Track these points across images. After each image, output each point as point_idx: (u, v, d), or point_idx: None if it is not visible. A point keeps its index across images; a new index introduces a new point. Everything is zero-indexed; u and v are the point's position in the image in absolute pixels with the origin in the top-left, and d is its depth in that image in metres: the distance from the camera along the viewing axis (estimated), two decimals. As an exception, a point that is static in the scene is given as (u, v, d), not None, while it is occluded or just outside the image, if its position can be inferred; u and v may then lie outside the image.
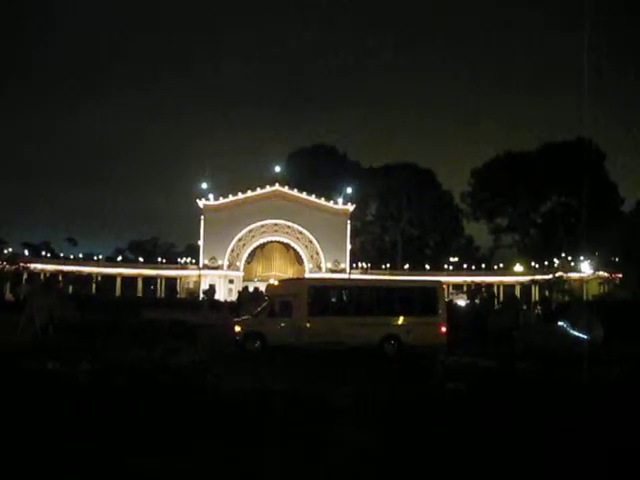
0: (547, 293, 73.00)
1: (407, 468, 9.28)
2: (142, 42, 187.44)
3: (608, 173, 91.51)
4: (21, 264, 68.11)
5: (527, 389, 15.36)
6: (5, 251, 73.47)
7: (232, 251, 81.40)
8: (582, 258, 74.61)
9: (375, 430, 11.17)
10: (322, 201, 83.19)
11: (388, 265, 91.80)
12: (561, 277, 72.40)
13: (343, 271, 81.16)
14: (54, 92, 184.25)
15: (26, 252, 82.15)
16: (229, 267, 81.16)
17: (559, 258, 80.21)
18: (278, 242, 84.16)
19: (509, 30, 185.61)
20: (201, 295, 63.47)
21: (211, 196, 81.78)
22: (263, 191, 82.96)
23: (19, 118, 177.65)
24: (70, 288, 66.44)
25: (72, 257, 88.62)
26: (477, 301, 61.73)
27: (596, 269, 70.95)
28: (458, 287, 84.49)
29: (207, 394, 13.63)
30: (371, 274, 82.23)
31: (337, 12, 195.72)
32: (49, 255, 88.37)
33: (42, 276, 77.56)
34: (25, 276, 69.70)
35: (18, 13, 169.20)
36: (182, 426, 10.81)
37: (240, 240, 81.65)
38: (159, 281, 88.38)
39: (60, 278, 78.71)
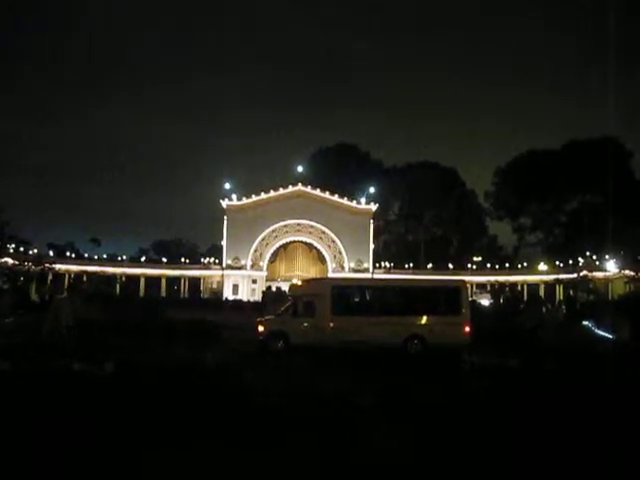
0: (572, 292, 72.42)
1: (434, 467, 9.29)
2: (167, 42, 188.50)
3: (634, 171, 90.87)
4: (46, 265, 68.46)
5: (551, 389, 15.25)
6: (30, 252, 74.02)
7: (255, 251, 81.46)
8: (607, 257, 73.83)
9: (401, 430, 11.17)
10: (345, 201, 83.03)
11: (411, 264, 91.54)
12: (586, 276, 71.74)
13: (366, 271, 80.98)
14: (80, 92, 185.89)
15: (51, 253, 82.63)
16: (252, 267, 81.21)
17: (584, 257, 79.46)
18: (301, 242, 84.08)
19: (532, 28, 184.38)
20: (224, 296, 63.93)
21: (234, 196, 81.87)
22: (286, 191, 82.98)
23: (44, 118, 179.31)
24: (94, 288, 66.86)
25: (96, 257, 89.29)
26: (501, 300, 61.59)
27: (622, 268, 70.18)
28: (482, 286, 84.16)
29: (230, 394, 13.65)
30: (394, 274, 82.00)
31: (358, 13, 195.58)
32: (73, 256, 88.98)
33: (67, 276, 78.29)
34: (50, 277, 70.27)
35: (41, 12, 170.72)
36: (205, 426, 10.86)
37: (263, 240, 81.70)
38: (182, 281, 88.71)
39: (84, 278, 79.45)
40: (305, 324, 24.76)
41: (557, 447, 10.08)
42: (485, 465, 9.38)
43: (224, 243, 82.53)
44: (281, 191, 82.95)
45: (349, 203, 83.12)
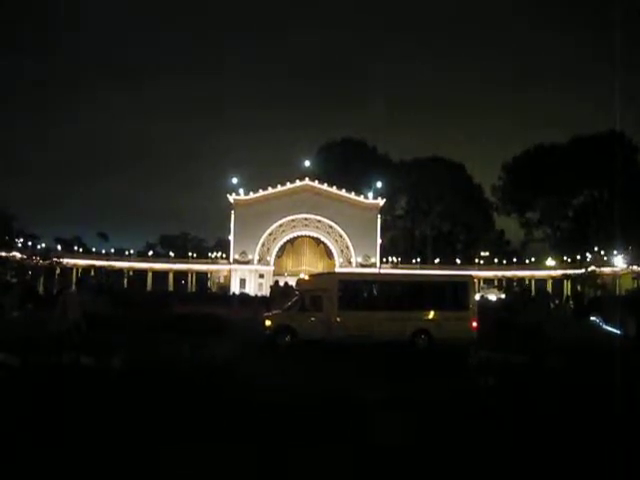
0: (579, 288, 72.29)
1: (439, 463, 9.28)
2: (175, 39, 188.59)
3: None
4: (54, 259, 68.84)
5: (558, 385, 15.22)
6: (38, 246, 74.29)
7: (262, 246, 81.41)
8: (615, 252, 73.68)
9: (407, 426, 11.15)
10: (352, 195, 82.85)
11: (418, 259, 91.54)
12: (594, 271, 71.57)
13: (373, 265, 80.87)
14: (86, 89, 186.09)
15: (59, 247, 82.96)
16: (259, 262, 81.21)
17: (591, 252, 79.31)
18: (308, 236, 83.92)
19: (538, 26, 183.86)
20: (231, 291, 64.03)
21: (241, 191, 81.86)
22: (293, 185, 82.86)
23: (52, 115, 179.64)
24: (102, 283, 67.12)
25: (104, 252, 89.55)
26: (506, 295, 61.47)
27: (629, 263, 70.00)
28: (489, 281, 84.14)
29: (237, 391, 13.64)
30: (401, 268, 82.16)
31: (368, 13, 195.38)
32: (81, 250, 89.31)
33: (74, 271, 78.59)
34: (58, 271, 70.59)
35: (41, 11, 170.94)
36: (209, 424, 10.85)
37: (270, 234, 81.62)
38: (190, 276, 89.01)
39: (92, 273, 79.75)
40: (312, 319, 24.76)
41: (559, 448, 10.06)
42: (485, 465, 9.36)
43: (231, 238, 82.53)
44: (288, 186, 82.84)
45: (356, 198, 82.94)
